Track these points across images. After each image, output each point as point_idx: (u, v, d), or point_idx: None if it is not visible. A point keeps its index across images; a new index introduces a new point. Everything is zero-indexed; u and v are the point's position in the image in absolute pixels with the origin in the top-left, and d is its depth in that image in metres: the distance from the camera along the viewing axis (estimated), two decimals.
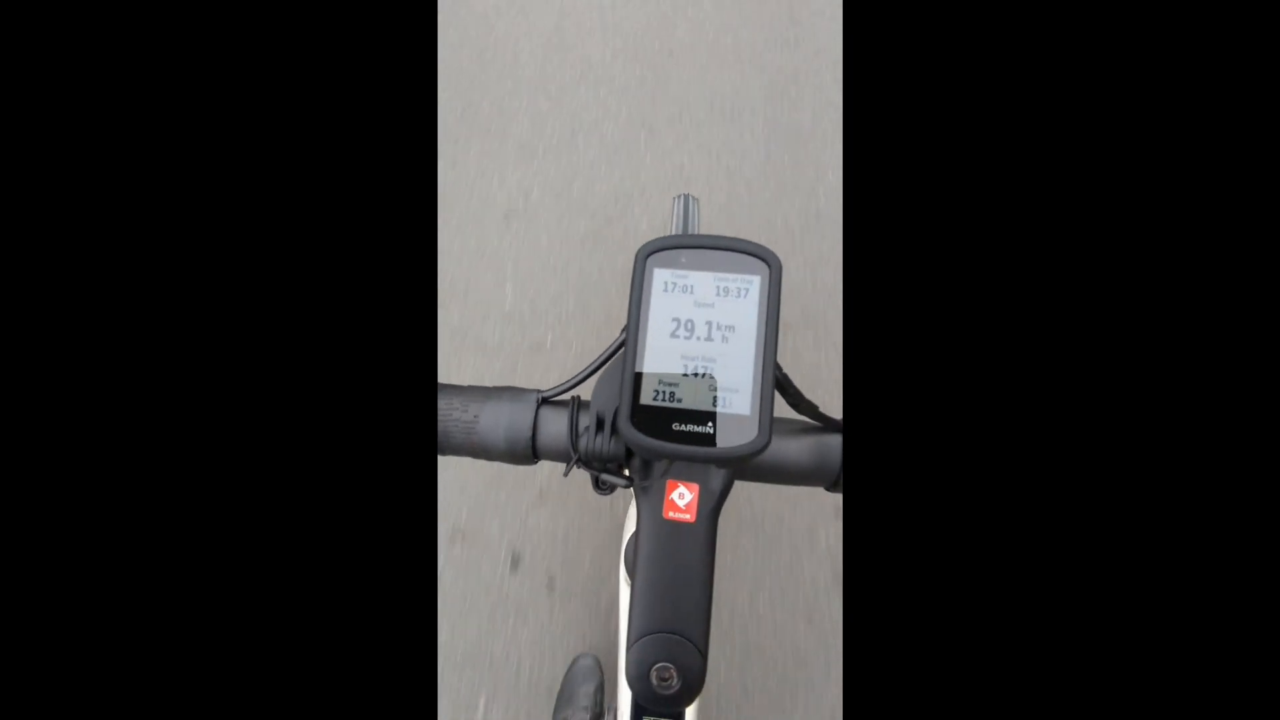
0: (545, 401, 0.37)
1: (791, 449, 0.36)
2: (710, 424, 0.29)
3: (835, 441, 0.36)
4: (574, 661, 0.93)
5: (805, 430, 0.36)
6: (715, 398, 0.30)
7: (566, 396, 0.37)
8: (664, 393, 0.30)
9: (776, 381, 0.33)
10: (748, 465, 0.35)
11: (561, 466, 0.36)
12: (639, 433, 0.29)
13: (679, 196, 0.81)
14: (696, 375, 0.30)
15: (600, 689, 0.86)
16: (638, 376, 0.30)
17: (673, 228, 0.79)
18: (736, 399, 0.30)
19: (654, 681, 0.32)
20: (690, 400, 0.30)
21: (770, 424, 0.29)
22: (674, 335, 0.30)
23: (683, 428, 0.29)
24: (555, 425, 0.36)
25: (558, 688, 0.92)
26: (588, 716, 0.80)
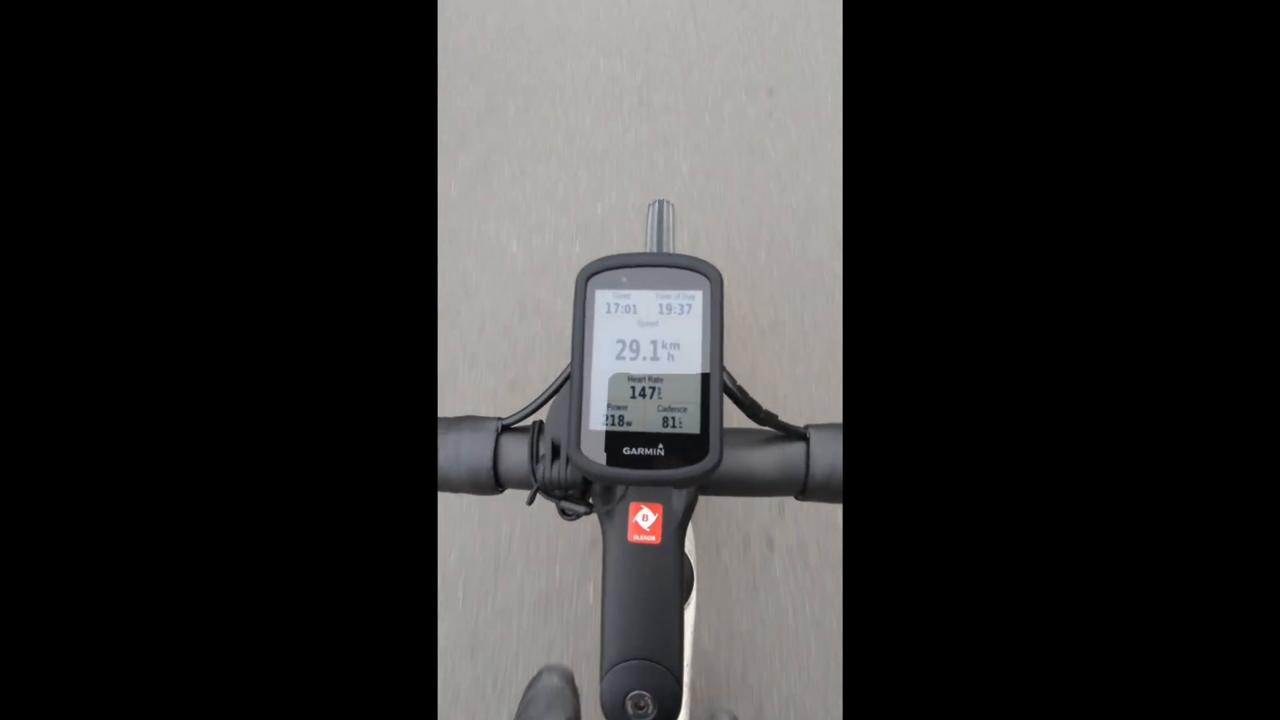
0: (506, 429, 0.36)
1: (755, 460, 0.35)
2: (660, 446, 0.29)
3: (798, 450, 0.35)
4: (538, 676, 0.66)
5: (768, 440, 0.35)
6: (664, 418, 0.29)
7: (528, 423, 0.36)
8: (613, 416, 0.29)
9: (730, 394, 0.32)
10: (709, 482, 0.34)
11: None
12: (590, 459, 0.29)
13: (654, 203, 0.80)
14: (644, 396, 0.29)
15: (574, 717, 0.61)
16: (585, 402, 0.29)
17: (648, 232, 0.79)
18: (685, 418, 0.29)
19: (629, 711, 0.32)
20: (639, 423, 0.29)
21: (721, 442, 0.29)
22: (619, 357, 0.29)
23: (634, 451, 0.29)
24: (517, 453, 0.35)
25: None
26: None
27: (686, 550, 0.54)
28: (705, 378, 0.29)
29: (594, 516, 0.35)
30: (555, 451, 0.33)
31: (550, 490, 0.34)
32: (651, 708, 0.32)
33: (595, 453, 0.29)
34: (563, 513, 0.35)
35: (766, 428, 0.35)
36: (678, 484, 0.30)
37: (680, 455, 0.29)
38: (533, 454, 0.35)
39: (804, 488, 0.35)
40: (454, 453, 0.36)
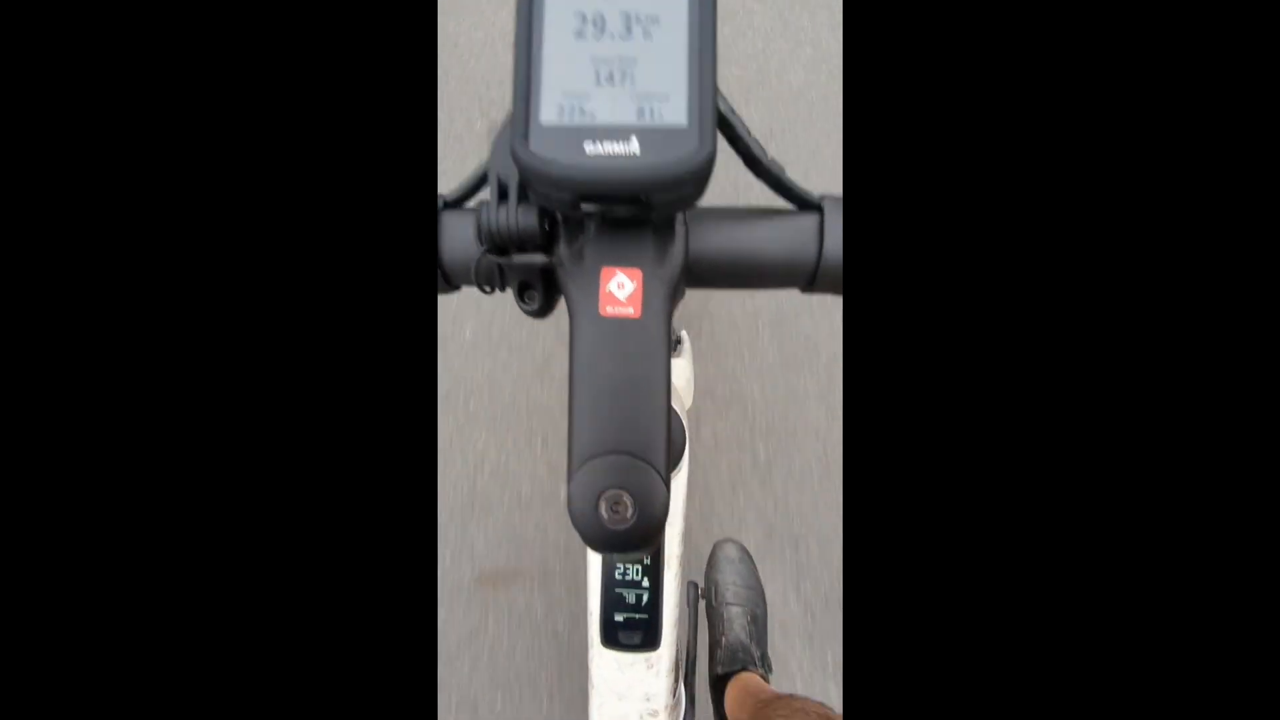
0: (449, 206, 0.29)
1: (756, 237, 0.28)
2: (633, 139, 0.22)
3: (808, 225, 0.28)
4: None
5: (771, 215, 0.29)
6: (639, 109, 0.23)
7: (474, 203, 0.30)
8: (571, 108, 0.23)
9: (723, 119, 0.26)
10: (699, 263, 0.28)
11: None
12: (541, 158, 0.22)
13: None
14: (612, 82, 0.23)
15: None
16: (536, 90, 0.23)
17: None
18: (668, 109, 0.23)
19: (604, 514, 0.25)
20: (607, 114, 0.23)
21: (714, 134, 0.22)
22: (580, 35, 0.23)
23: (599, 148, 0.22)
24: (462, 232, 0.29)
25: None
26: None
27: (676, 407, 0.47)
28: (694, 57, 0.23)
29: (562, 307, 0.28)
30: (503, 193, 0.27)
31: (501, 245, 0.27)
32: (631, 509, 0.24)
33: (549, 150, 0.22)
34: (521, 295, 0.28)
35: (770, 206, 0.29)
36: (657, 188, 0.23)
37: (660, 151, 0.22)
38: (479, 232, 0.28)
39: (814, 274, 0.28)
40: None
